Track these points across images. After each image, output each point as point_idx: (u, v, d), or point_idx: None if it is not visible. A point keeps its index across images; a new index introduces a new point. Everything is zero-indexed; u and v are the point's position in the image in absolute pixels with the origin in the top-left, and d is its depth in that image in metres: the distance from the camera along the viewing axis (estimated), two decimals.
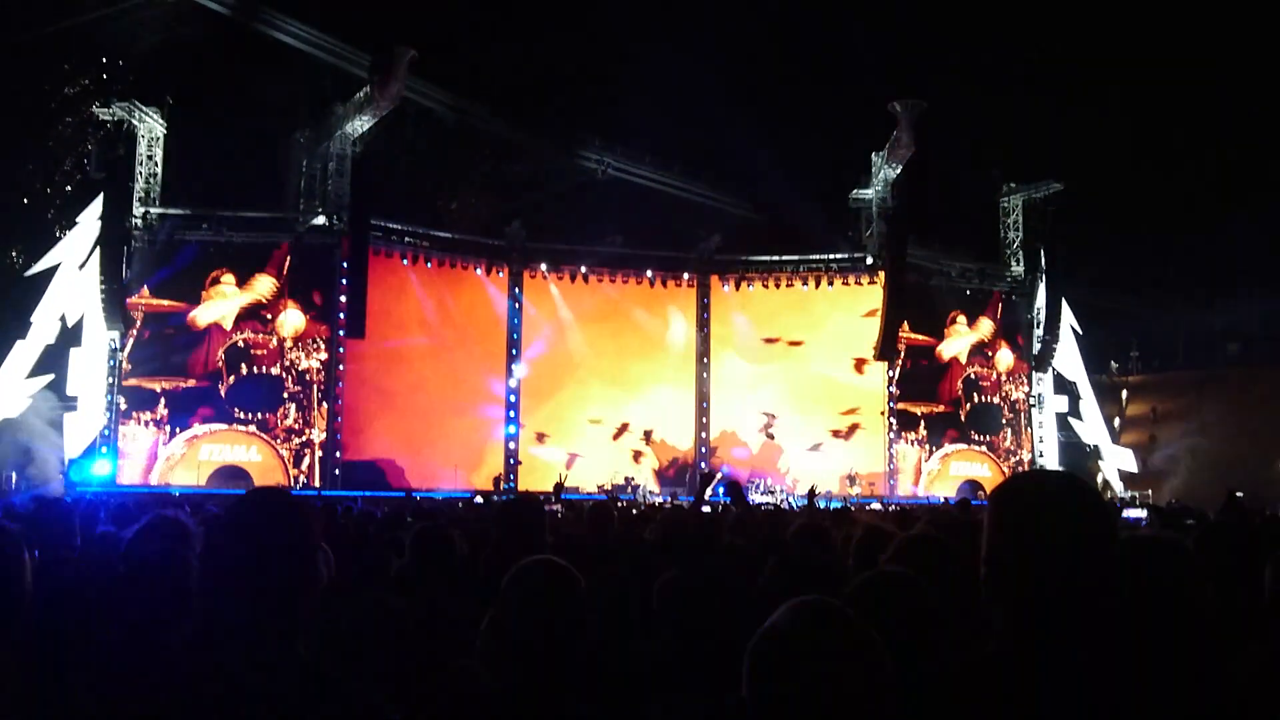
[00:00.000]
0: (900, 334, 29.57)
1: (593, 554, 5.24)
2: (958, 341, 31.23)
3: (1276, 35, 30.16)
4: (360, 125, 27.13)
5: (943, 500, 26.58)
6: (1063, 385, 32.05)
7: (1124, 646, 2.01)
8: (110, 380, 25.46)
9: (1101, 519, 2.02)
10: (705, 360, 31.61)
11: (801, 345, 31.30)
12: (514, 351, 30.27)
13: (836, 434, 30.74)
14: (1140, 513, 18.72)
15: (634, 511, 12.59)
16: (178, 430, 25.22)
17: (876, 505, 23.60)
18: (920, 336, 30.71)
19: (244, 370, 25.66)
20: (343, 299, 26.44)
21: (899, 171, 30.08)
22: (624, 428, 30.94)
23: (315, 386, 26.02)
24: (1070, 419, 32.11)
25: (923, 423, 30.67)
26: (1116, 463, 32.13)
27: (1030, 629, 1.95)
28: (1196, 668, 2.35)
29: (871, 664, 1.88)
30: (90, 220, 25.59)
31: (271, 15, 27.55)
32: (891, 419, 30.34)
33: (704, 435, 31.30)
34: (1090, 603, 1.96)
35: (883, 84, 29.66)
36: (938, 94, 29.56)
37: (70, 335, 25.36)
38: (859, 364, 30.51)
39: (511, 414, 30.00)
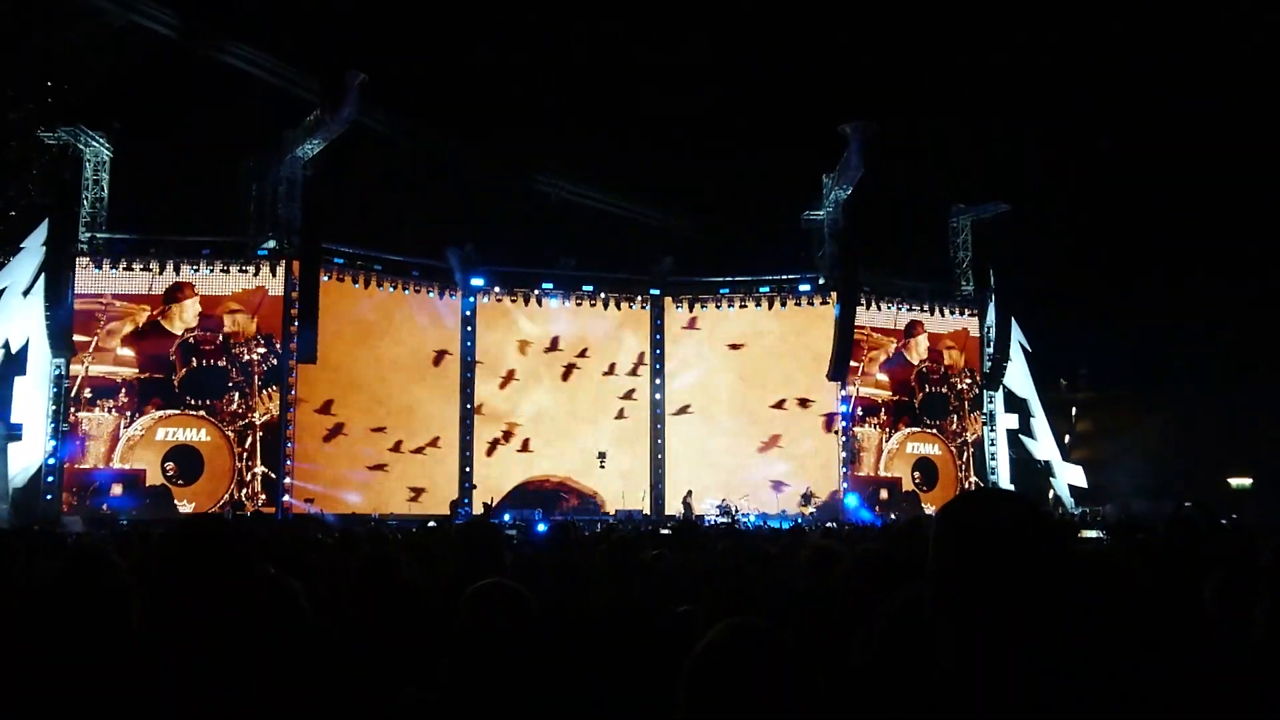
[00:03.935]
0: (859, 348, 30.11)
1: (551, 575, 5.22)
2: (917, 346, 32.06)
3: (1219, 51, 30.81)
4: (310, 149, 26.99)
5: (891, 517, 26.88)
6: (1013, 403, 32.42)
7: (1075, 665, 2.02)
8: (55, 407, 25.11)
9: (1049, 537, 2.03)
10: (659, 381, 31.65)
11: (755, 365, 31.44)
12: (468, 375, 30.16)
13: (791, 450, 30.89)
14: (1096, 533, 18.89)
15: (586, 533, 12.57)
16: (137, 415, 26.33)
17: (831, 524, 23.70)
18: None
19: (194, 363, 26.97)
20: (294, 324, 26.31)
21: (849, 192, 30.38)
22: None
23: (256, 375, 27.28)
24: (1022, 436, 32.47)
25: (884, 409, 31.51)
26: (1067, 479, 32.51)
27: (979, 649, 1.95)
28: (1147, 686, 2.37)
29: (804, 685, 1.87)
30: (35, 245, 25.23)
31: (220, 39, 27.34)
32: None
33: (659, 456, 31.30)
34: (1040, 621, 1.96)
35: (832, 106, 29.97)
36: (886, 116, 29.88)
37: (14, 362, 24.95)
38: (810, 382, 30.71)
39: (467, 437, 29.90)
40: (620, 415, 31.35)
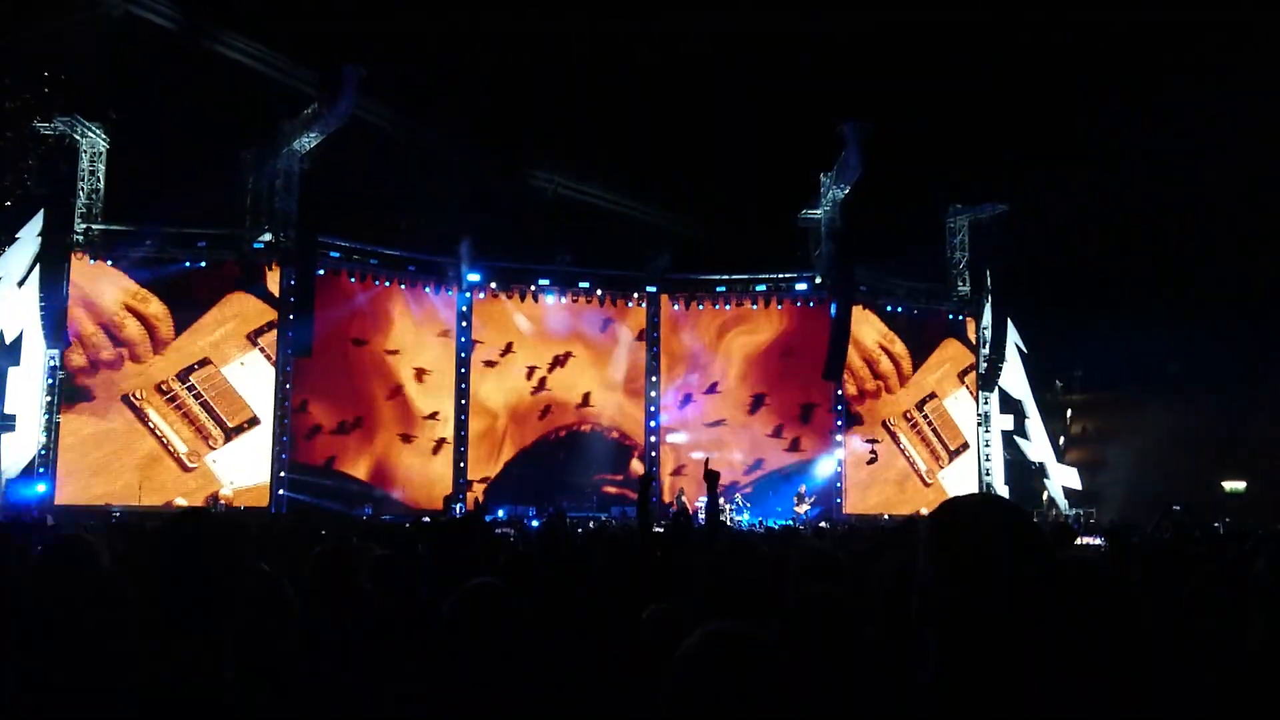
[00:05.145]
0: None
1: (543, 574, 5.21)
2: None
3: (1217, 52, 30.79)
4: (308, 142, 26.92)
5: (887, 517, 26.89)
6: (1009, 404, 32.43)
7: (1059, 671, 2.01)
8: (49, 399, 25.05)
9: (1035, 543, 2.03)
10: (654, 379, 31.64)
11: (750, 364, 31.46)
12: (463, 370, 30.11)
13: (787, 449, 30.94)
14: (1093, 538, 18.87)
15: (579, 530, 12.57)
16: None
17: (825, 524, 23.73)
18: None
19: None
20: (290, 317, 26.29)
21: (846, 192, 30.36)
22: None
23: None
24: (1016, 437, 32.49)
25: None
26: (1061, 481, 32.54)
27: (965, 654, 1.95)
28: (1129, 692, 2.36)
29: (786, 692, 1.86)
30: (30, 236, 25.18)
31: (218, 31, 27.27)
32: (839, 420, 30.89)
33: (654, 454, 31.30)
34: (1025, 627, 1.96)
35: (831, 105, 29.93)
36: (884, 116, 29.84)
37: (8, 353, 24.90)
38: (809, 382, 30.73)
39: (461, 433, 29.87)
40: (615, 411, 31.41)
